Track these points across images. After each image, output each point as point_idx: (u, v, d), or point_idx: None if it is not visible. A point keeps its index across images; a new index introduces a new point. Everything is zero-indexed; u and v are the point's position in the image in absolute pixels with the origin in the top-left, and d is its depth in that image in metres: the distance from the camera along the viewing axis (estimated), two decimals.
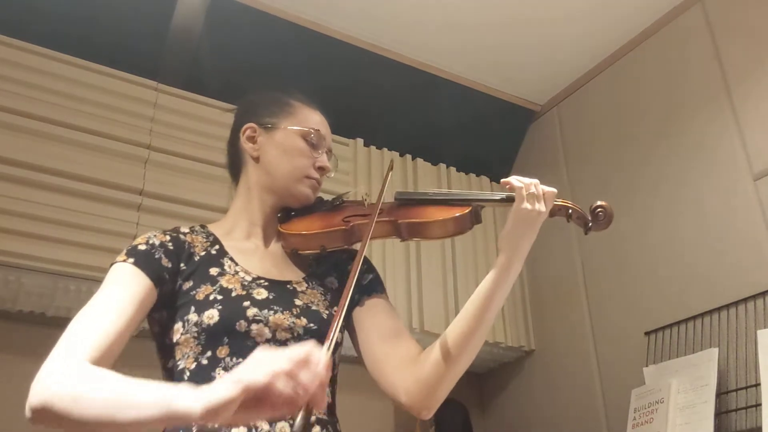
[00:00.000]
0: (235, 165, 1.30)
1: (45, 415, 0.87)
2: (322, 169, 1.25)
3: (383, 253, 2.51)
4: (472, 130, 2.90)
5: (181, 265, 1.12)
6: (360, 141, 2.66)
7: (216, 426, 0.98)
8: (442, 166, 2.86)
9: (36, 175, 1.96)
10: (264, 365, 0.76)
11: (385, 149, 2.73)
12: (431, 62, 2.67)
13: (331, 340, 0.91)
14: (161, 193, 2.15)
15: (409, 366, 1.12)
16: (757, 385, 1.80)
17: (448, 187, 2.82)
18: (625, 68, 2.59)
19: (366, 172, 2.63)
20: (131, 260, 1.07)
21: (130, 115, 2.19)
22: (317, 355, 0.78)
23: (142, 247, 1.10)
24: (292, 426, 0.80)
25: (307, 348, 0.78)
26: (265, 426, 0.99)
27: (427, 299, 2.52)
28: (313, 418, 1.04)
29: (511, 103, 2.89)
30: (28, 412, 0.88)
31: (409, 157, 2.80)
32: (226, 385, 0.76)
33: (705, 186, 2.18)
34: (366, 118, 2.65)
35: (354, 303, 1.21)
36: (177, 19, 2.29)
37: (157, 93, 2.27)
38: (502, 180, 1.15)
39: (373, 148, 2.69)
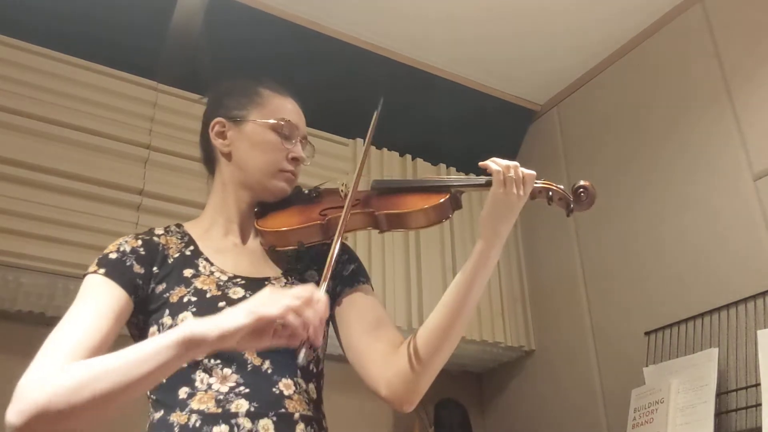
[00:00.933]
0: (208, 161, 1.26)
1: (41, 422, 0.85)
2: (296, 160, 1.20)
3: (383, 253, 2.51)
4: (472, 129, 2.89)
5: (154, 269, 1.10)
6: (360, 141, 2.65)
7: (198, 425, 0.98)
8: (442, 166, 2.86)
9: (36, 175, 1.96)
10: (275, 300, 0.88)
11: (385, 149, 2.73)
12: (431, 62, 2.67)
13: (326, 280, 0.97)
14: (161, 193, 2.14)
15: (390, 358, 1.10)
16: (757, 385, 1.80)
17: None
18: (625, 68, 2.59)
19: (365, 172, 2.62)
20: (102, 271, 1.05)
21: (129, 115, 2.19)
22: (318, 295, 0.90)
23: (113, 256, 1.08)
24: (296, 357, 0.90)
25: (309, 288, 0.90)
26: (248, 424, 0.98)
27: (427, 298, 2.51)
28: (296, 415, 1.03)
29: (511, 103, 2.89)
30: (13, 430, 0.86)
31: (409, 157, 2.80)
32: (239, 313, 0.88)
33: (705, 186, 2.18)
34: (366, 118, 2.64)
35: (336, 296, 1.18)
36: (176, 18, 2.29)
37: (157, 93, 2.27)
38: (480, 163, 1.11)
39: (372, 148, 2.70)
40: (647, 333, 2.22)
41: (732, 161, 2.11)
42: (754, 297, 1.94)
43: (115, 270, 1.06)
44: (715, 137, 2.19)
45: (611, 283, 2.45)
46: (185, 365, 1.01)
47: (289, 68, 2.47)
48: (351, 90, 2.61)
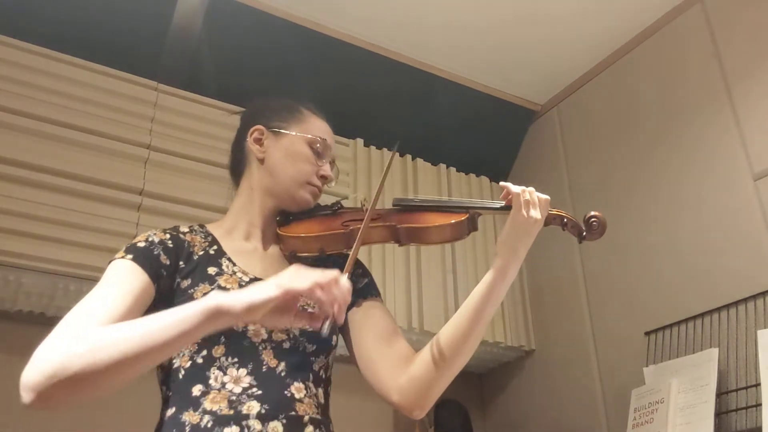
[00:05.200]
0: (238, 165, 1.31)
1: (55, 384, 0.85)
2: (324, 178, 1.27)
3: (383, 254, 2.51)
4: (472, 130, 2.90)
5: (180, 263, 1.13)
6: (360, 141, 2.65)
7: (209, 426, 0.99)
8: (442, 166, 2.86)
9: (36, 175, 1.96)
10: (303, 276, 0.92)
11: (385, 149, 2.73)
12: (431, 62, 2.67)
13: (349, 270, 1.00)
14: (161, 193, 2.14)
15: (403, 365, 1.13)
16: (757, 385, 1.81)
17: (448, 187, 2.82)
18: (626, 68, 2.59)
19: (366, 173, 2.63)
20: (130, 256, 1.08)
21: (130, 115, 2.19)
22: (343, 278, 0.94)
23: (141, 244, 1.11)
24: (320, 330, 0.93)
25: (334, 272, 0.93)
26: (258, 426, 1.00)
27: (427, 299, 2.52)
28: (306, 417, 1.05)
29: (511, 103, 2.89)
30: (28, 394, 0.86)
31: (409, 157, 2.80)
32: (268, 287, 0.91)
33: (705, 186, 2.18)
34: (366, 118, 2.65)
35: (349, 305, 1.20)
36: (177, 19, 2.29)
37: (157, 93, 2.27)
38: (501, 183, 1.18)
39: (372, 148, 2.69)
40: (647, 333, 2.22)
41: (732, 161, 2.11)
42: (754, 297, 1.94)
43: (143, 257, 1.09)
44: (715, 137, 2.19)
45: (611, 283, 2.45)
46: (200, 361, 1.04)
47: (289, 68, 2.47)
48: (351, 90, 2.61)
